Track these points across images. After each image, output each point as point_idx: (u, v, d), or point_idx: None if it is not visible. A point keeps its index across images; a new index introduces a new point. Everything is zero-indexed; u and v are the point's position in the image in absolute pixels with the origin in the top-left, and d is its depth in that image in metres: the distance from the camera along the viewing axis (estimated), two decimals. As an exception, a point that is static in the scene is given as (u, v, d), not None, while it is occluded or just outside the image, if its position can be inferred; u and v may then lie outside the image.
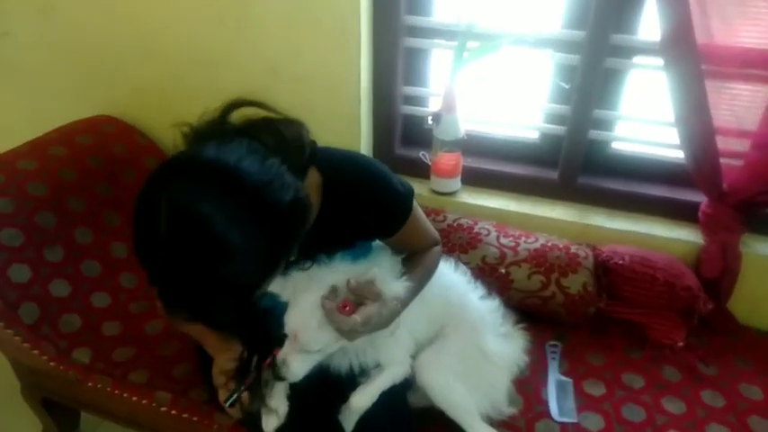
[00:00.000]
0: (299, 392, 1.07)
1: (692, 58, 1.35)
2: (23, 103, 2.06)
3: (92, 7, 1.78)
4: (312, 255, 1.05)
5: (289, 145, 0.89)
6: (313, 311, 0.99)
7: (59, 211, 1.52)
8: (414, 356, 1.20)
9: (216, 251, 0.75)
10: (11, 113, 2.08)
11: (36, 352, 1.38)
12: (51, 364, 1.39)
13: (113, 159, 1.73)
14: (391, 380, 1.13)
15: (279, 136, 0.88)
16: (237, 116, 0.91)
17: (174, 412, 1.33)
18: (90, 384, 1.39)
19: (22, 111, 2.07)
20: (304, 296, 1.01)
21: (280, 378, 1.02)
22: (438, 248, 1.24)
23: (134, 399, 1.36)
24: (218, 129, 0.87)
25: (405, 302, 1.09)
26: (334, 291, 1.00)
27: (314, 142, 1.00)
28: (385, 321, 1.03)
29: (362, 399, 1.08)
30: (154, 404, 1.34)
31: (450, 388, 1.17)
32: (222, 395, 1.04)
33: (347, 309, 0.98)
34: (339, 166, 1.06)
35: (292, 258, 0.91)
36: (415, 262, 1.16)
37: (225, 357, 1.05)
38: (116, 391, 1.37)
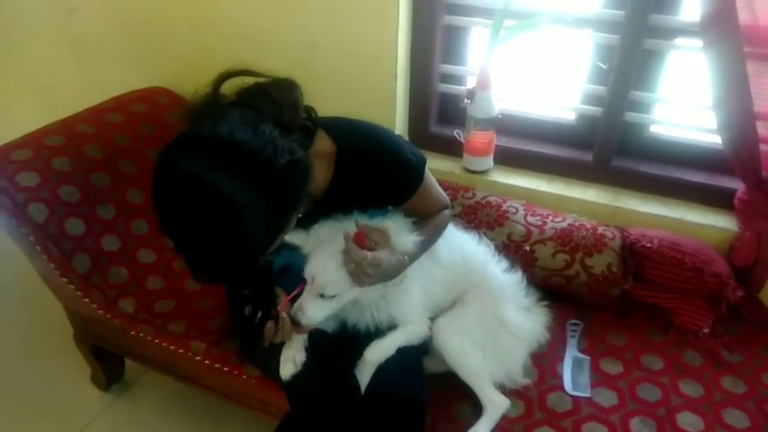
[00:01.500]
0: (317, 345, 1.14)
1: (733, 40, 1.32)
2: (86, 73, 2.21)
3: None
4: (321, 217, 1.13)
5: (282, 107, 0.95)
6: (333, 256, 1.06)
7: (113, 173, 1.64)
8: (432, 320, 1.25)
9: (224, 215, 0.83)
10: (74, 83, 2.23)
11: (87, 300, 1.51)
12: (100, 312, 1.51)
13: (164, 127, 1.84)
14: (405, 337, 1.17)
15: (270, 99, 0.94)
16: (230, 87, 0.97)
17: (207, 362, 1.42)
18: (133, 333, 1.50)
19: (84, 80, 2.21)
20: (325, 244, 1.08)
21: (296, 323, 1.09)
22: (448, 212, 1.29)
23: (172, 348, 1.46)
24: (211, 103, 0.94)
25: (413, 257, 1.15)
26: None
27: (310, 107, 1.05)
28: (393, 271, 1.10)
29: (375, 352, 1.13)
30: (189, 353, 1.44)
31: (465, 351, 1.21)
32: None
33: (362, 242, 1.04)
34: (352, 137, 1.12)
35: (300, 215, 0.98)
36: (425, 221, 1.21)
37: None
38: (156, 340, 1.48)
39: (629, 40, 1.48)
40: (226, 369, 1.41)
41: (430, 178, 1.22)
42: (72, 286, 1.50)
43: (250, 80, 0.98)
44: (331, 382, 1.13)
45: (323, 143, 1.10)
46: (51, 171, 1.51)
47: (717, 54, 1.35)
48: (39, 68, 2.32)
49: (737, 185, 1.50)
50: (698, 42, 1.38)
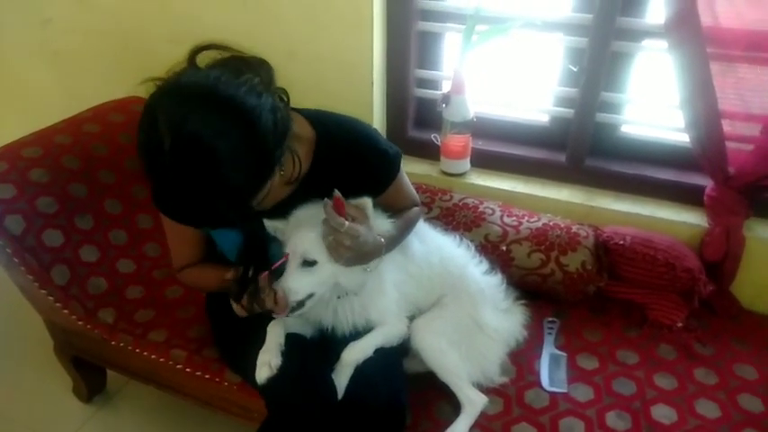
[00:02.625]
0: (293, 350, 1.15)
1: (696, 41, 1.36)
2: (62, 84, 2.21)
3: (125, -6, 1.90)
4: (302, 203, 1.16)
5: (260, 74, 0.98)
6: (312, 227, 1.09)
7: (91, 183, 1.64)
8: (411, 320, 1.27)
9: (210, 160, 0.87)
10: (51, 94, 2.23)
11: (66, 311, 1.51)
12: (79, 323, 1.51)
13: (142, 137, 1.84)
14: (383, 338, 1.19)
15: (248, 66, 0.98)
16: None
17: (188, 370, 1.42)
18: (113, 343, 1.50)
19: (60, 91, 2.21)
20: (304, 221, 1.11)
21: (295, 335, 1.09)
22: (418, 209, 1.34)
23: (153, 357, 1.46)
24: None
25: (389, 240, 1.16)
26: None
27: (283, 88, 1.08)
28: (369, 250, 1.10)
29: (353, 353, 1.15)
30: (171, 362, 1.44)
31: (442, 351, 1.23)
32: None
33: (340, 209, 1.06)
34: (331, 126, 1.16)
35: (282, 171, 1.04)
36: (398, 215, 1.25)
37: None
38: (137, 350, 1.48)
39: (597, 42, 1.52)
40: (207, 376, 1.41)
41: (403, 173, 1.27)
42: (51, 298, 1.50)
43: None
44: (308, 386, 1.13)
45: (303, 129, 1.14)
46: (28, 182, 1.51)
47: (681, 55, 1.40)
48: (15, 79, 2.31)
49: (706, 182, 1.54)
50: (664, 44, 1.42)
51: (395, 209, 1.26)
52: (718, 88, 1.40)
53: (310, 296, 1.11)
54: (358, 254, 1.08)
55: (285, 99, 1.07)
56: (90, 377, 1.78)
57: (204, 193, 0.91)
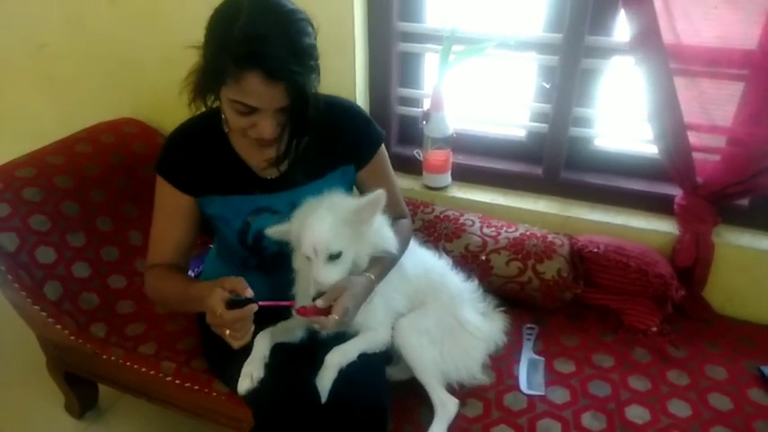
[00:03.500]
0: (277, 358, 1.19)
1: (660, 57, 1.44)
2: (56, 107, 2.26)
3: (116, 21, 1.97)
4: (304, 171, 1.25)
5: None
6: (321, 219, 1.12)
7: (83, 202, 1.69)
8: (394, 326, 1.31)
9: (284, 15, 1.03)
10: (45, 116, 2.28)
11: (58, 327, 1.55)
12: (71, 337, 1.55)
13: (133, 156, 1.90)
14: (366, 343, 1.23)
15: None
16: None
17: (177, 381, 1.46)
18: (105, 357, 1.54)
19: (54, 114, 2.26)
20: (309, 217, 1.14)
21: (320, 294, 1.11)
22: (408, 222, 1.39)
23: (143, 369, 1.50)
24: None
25: (379, 275, 1.22)
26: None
27: None
28: (361, 298, 1.16)
29: (336, 356, 1.18)
30: (160, 374, 1.48)
31: (422, 349, 1.28)
32: (232, 335, 1.09)
33: (317, 310, 1.09)
34: (326, 96, 1.23)
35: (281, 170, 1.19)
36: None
37: (217, 294, 1.08)
38: (128, 363, 1.52)
39: (567, 60, 1.59)
40: (196, 387, 1.45)
41: (390, 168, 1.36)
42: (44, 313, 1.53)
43: None
44: (290, 393, 1.17)
45: None
46: (22, 201, 1.56)
47: (647, 71, 1.47)
48: (10, 103, 2.36)
49: (676, 192, 1.61)
50: (631, 60, 1.50)
51: (389, 211, 1.27)
52: (682, 102, 1.47)
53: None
54: (356, 310, 1.16)
55: None
56: (82, 393, 1.81)
57: (280, 35, 1.00)
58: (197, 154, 1.24)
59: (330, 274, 1.13)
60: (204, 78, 1.08)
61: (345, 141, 1.27)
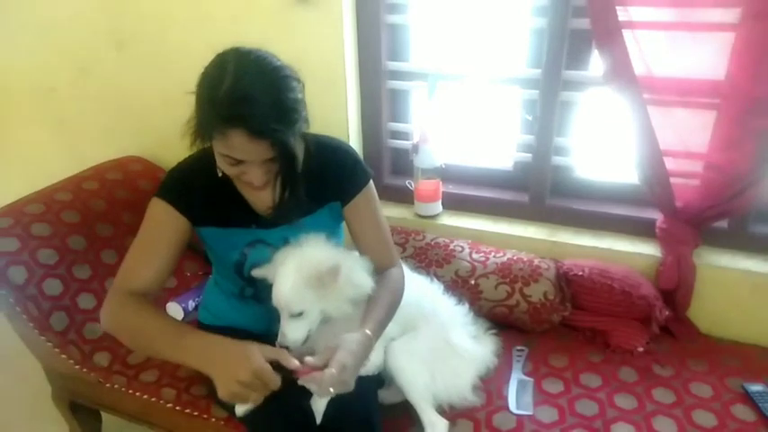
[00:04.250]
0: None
1: (633, 89, 1.52)
2: (64, 146, 2.37)
3: (122, 66, 2.09)
4: (295, 208, 1.27)
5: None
6: (286, 278, 1.17)
7: (89, 236, 1.76)
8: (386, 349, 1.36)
9: (268, 74, 1.08)
10: (54, 156, 2.39)
11: (64, 356, 1.60)
12: (76, 367, 1.60)
13: (138, 192, 1.98)
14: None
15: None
16: None
17: (177, 408, 1.51)
18: (108, 385, 1.59)
19: (62, 153, 2.37)
20: (280, 269, 1.19)
21: (285, 347, 1.17)
22: (397, 272, 1.37)
23: (145, 397, 1.55)
24: None
25: (376, 329, 1.21)
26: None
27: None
28: (361, 355, 1.14)
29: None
30: (161, 401, 1.53)
31: (414, 372, 1.32)
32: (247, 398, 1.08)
33: (311, 371, 1.09)
34: (317, 136, 1.32)
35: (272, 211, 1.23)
36: (381, 289, 1.29)
37: (256, 349, 1.08)
38: (130, 391, 1.57)
39: (546, 94, 1.69)
40: (195, 413, 1.49)
41: (379, 205, 1.38)
42: (50, 344, 1.59)
43: None
44: (286, 416, 1.21)
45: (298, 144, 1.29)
46: (31, 236, 1.64)
47: (622, 101, 1.55)
48: (20, 144, 2.47)
49: (657, 216, 1.67)
50: (606, 92, 1.58)
51: (374, 256, 1.33)
52: (657, 130, 1.54)
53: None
54: (357, 368, 1.13)
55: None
56: (86, 423, 1.84)
57: (263, 96, 1.05)
58: (198, 185, 1.28)
59: (293, 332, 1.17)
60: (197, 129, 1.14)
61: (331, 179, 1.32)
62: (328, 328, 1.24)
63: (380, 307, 1.25)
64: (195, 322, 1.55)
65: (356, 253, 1.35)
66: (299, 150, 1.16)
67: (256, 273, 1.27)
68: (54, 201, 1.77)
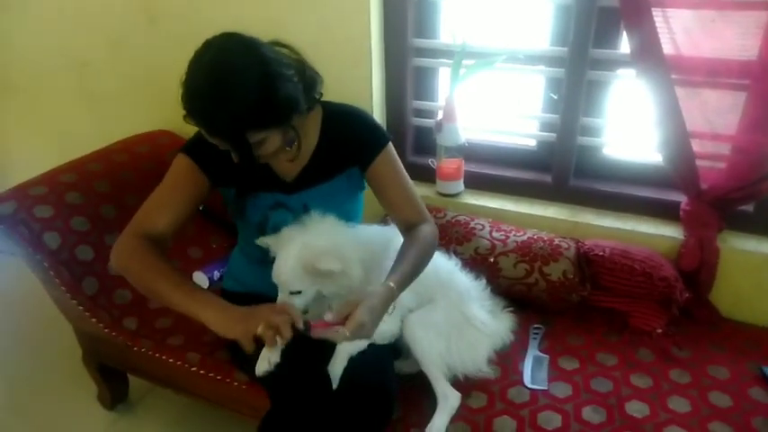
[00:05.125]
0: (293, 347, 1.27)
1: (661, 69, 1.50)
2: (95, 120, 2.43)
3: (154, 40, 2.13)
4: (314, 174, 1.35)
5: (305, 72, 1.25)
6: (288, 257, 1.20)
7: (119, 205, 1.82)
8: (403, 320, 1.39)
9: (229, 73, 1.10)
10: (88, 130, 2.45)
11: (94, 320, 1.67)
12: (106, 330, 1.67)
13: (166, 165, 1.98)
14: (375, 334, 1.30)
15: (301, 65, 1.25)
16: None
17: (201, 371, 1.56)
18: (136, 349, 1.65)
19: (93, 126, 2.43)
20: (286, 245, 1.22)
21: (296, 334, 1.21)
22: (430, 229, 1.36)
23: (170, 360, 1.61)
24: None
25: (400, 283, 1.23)
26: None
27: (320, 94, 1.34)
28: (381, 310, 1.16)
29: (346, 345, 1.26)
30: (186, 365, 1.58)
31: (430, 342, 1.35)
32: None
33: (326, 324, 1.14)
34: (337, 104, 1.38)
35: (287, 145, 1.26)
36: (409, 243, 1.32)
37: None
38: (156, 354, 1.63)
39: (573, 73, 1.67)
40: (218, 377, 1.54)
41: (401, 169, 1.40)
42: (81, 307, 1.66)
43: None
44: (304, 377, 1.26)
45: (316, 112, 1.36)
46: (64, 204, 1.70)
47: (649, 82, 1.53)
48: (54, 117, 2.55)
49: (681, 198, 1.66)
50: (634, 72, 1.56)
51: (402, 214, 1.37)
52: (685, 111, 1.52)
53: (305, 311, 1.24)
54: (377, 321, 1.16)
55: (317, 96, 1.32)
56: (114, 385, 1.92)
57: (213, 100, 1.09)
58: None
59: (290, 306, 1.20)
60: None
61: (349, 144, 1.36)
62: (326, 300, 1.28)
63: (407, 261, 1.26)
64: (219, 291, 1.60)
65: (361, 235, 1.37)
66: (274, 137, 1.19)
67: (261, 241, 1.30)
68: (86, 171, 1.83)
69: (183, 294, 1.20)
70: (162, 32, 2.11)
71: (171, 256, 1.81)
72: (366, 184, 1.44)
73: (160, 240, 1.29)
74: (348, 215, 1.41)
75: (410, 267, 1.27)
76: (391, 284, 1.20)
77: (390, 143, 1.39)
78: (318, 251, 1.19)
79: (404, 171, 1.42)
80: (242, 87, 1.09)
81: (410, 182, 1.42)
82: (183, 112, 1.14)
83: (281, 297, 1.22)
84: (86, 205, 1.74)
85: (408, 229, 1.36)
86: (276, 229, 1.33)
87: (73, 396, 2.00)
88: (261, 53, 1.13)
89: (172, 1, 2.04)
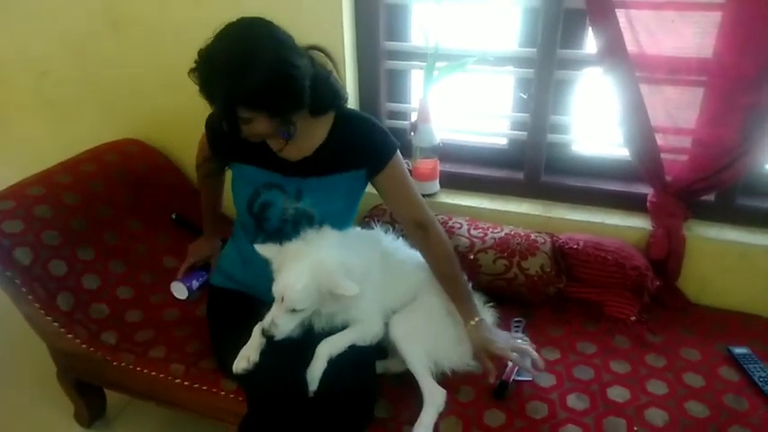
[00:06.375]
0: (272, 349, 1.28)
1: (626, 67, 1.56)
2: (58, 131, 2.36)
3: (117, 46, 2.08)
4: (317, 165, 1.40)
5: (328, 80, 1.36)
6: (299, 276, 1.21)
7: (90, 217, 1.78)
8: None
9: (245, 49, 1.18)
10: (48, 141, 2.38)
11: (70, 336, 1.62)
12: (83, 346, 1.63)
13: (136, 175, 1.99)
14: (356, 335, 1.32)
15: (326, 73, 1.35)
16: None
17: (186, 383, 1.54)
18: (116, 363, 1.62)
19: (57, 138, 2.35)
20: (292, 263, 1.23)
21: (270, 336, 1.23)
22: (438, 232, 1.46)
23: (153, 373, 1.58)
24: None
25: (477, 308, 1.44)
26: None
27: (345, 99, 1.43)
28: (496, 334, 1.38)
29: (326, 346, 1.28)
30: (170, 377, 1.56)
31: (415, 342, 1.37)
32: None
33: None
34: (350, 110, 1.47)
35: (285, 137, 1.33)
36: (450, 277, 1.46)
37: None
38: (138, 368, 1.59)
39: (542, 72, 1.73)
40: (204, 387, 1.52)
41: (406, 172, 1.46)
42: (56, 324, 1.61)
43: None
44: (281, 379, 1.26)
45: (330, 114, 1.41)
46: (34, 218, 1.65)
47: (615, 79, 1.59)
48: (15, 127, 2.45)
49: (648, 190, 1.73)
50: (600, 71, 1.62)
51: (408, 214, 1.44)
52: (649, 107, 1.59)
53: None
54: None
55: (342, 98, 1.41)
56: (91, 402, 1.87)
57: (220, 68, 1.16)
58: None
59: (286, 324, 1.24)
60: None
61: (359, 148, 1.40)
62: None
63: (463, 289, 1.44)
64: (206, 288, 1.66)
65: (358, 246, 1.41)
66: (268, 123, 1.26)
67: (260, 249, 1.32)
68: (54, 183, 1.78)
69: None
70: (125, 39, 2.07)
71: (144, 267, 1.82)
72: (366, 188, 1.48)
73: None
74: (339, 214, 1.44)
75: (466, 289, 1.46)
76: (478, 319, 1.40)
77: (398, 150, 1.45)
78: (333, 273, 1.22)
79: (409, 175, 1.48)
80: (251, 68, 1.16)
81: (414, 184, 1.49)
82: (193, 65, 1.21)
83: (277, 312, 1.22)
84: (56, 218, 1.70)
85: (416, 231, 1.45)
86: (264, 208, 1.35)
87: (49, 416, 1.94)
88: (281, 48, 1.20)
89: (134, 7, 2.00)
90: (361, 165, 1.41)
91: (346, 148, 1.39)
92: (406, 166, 1.47)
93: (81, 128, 2.30)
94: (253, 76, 1.16)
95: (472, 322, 1.38)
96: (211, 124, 1.49)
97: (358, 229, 1.57)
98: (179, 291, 1.77)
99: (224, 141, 1.43)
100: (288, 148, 1.38)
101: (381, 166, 1.41)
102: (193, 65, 1.20)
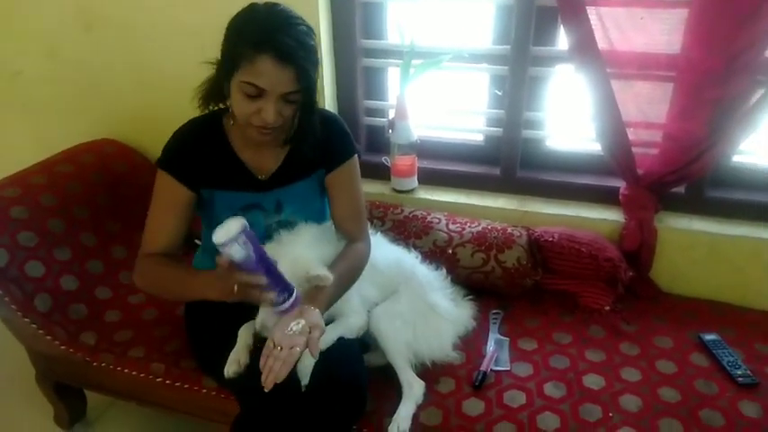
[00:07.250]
0: (260, 348, 1.28)
1: (597, 63, 1.60)
2: (32, 132, 2.33)
3: (91, 46, 2.06)
4: (289, 173, 1.40)
5: None
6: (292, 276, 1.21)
7: (67, 218, 1.76)
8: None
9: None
10: (22, 142, 2.35)
11: (49, 337, 1.61)
12: (62, 347, 1.62)
13: (113, 175, 1.98)
14: (343, 328, 1.34)
15: None
16: None
17: (167, 382, 1.54)
18: (95, 364, 1.61)
19: (31, 139, 2.33)
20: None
21: (263, 338, 1.23)
22: (362, 247, 1.43)
23: (133, 373, 1.58)
24: None
25: (328, 306, 1.28)
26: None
27: None
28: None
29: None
30: (150, 376, 1.56)
31: (396, 333, 1.40)
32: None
33: None
34: (321, 109, 1.40)
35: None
36: (338, 263, 1.34)
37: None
38: (118, 368, 1.59)
39: (516, 69, 1.76)
40: (186, 386, 1.53)
41: (359, 178, 1.47)
42: (34, 325, 1.60)
43: None
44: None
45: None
46: (9, 219, 1.63)
47: (587, 75, 1.63)
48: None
49: (620, 184, 1.77)
50: (572, 67, 1.66)
51: (345, 226, 1.43)
52: (620, 102, 1.63)
53: None
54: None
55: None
56: (71, 404, 1.85)
57: (291, 33, 1.16)
58: (198, 149, 1.35)
59: (271, 320, 1.23)
60: (219, 69, 1.24)
61: (322, 148, 1.39)
62: None
63: (334, 284, 1.27)
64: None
65: (333, 240, 1.42)
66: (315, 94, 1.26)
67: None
68: (30, 184, 1.76)
69: (189, 289, 1.29)
70: (98, 39, 2.05)
71: (123, 267, 1.81)
72: None
73: (169, 252, 1.37)
74: (318, 212, 1.46)
75: (336, 289, 1.30)
76: (317, 310, 1.23)
77: (357, 156, 1.45)
78: (309, 262, 1.23)
79: (361, 187, 1.48)
80: (306, 27, 1.20)
81: (362, 198, 1.48)
82: (239, 56, 1.16)
83: (265, 315, 1.22)
84: (32, 220, 1.68)
85: (345, 232, 1.44)
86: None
87: (28, 419, 1.91)
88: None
89: (107, 8, 1.99)
90: (322, 163, 1.42)
91: (310, 146, 1.37)
92: (359, 177, 1.47)
93: (56, 128, 2.27)
94: (311, 41, 1.20)
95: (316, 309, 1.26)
96: (176, 156, 1.35)
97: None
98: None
99: (194, 169, 1.34)
100: (259, 160, 1.38)
101: (335, 165, 1.42)
102: (256, 37, 1.15)
